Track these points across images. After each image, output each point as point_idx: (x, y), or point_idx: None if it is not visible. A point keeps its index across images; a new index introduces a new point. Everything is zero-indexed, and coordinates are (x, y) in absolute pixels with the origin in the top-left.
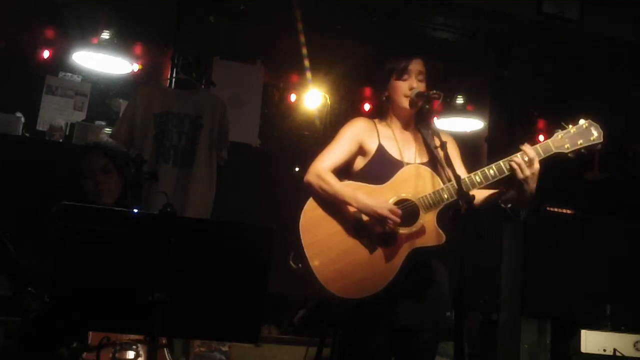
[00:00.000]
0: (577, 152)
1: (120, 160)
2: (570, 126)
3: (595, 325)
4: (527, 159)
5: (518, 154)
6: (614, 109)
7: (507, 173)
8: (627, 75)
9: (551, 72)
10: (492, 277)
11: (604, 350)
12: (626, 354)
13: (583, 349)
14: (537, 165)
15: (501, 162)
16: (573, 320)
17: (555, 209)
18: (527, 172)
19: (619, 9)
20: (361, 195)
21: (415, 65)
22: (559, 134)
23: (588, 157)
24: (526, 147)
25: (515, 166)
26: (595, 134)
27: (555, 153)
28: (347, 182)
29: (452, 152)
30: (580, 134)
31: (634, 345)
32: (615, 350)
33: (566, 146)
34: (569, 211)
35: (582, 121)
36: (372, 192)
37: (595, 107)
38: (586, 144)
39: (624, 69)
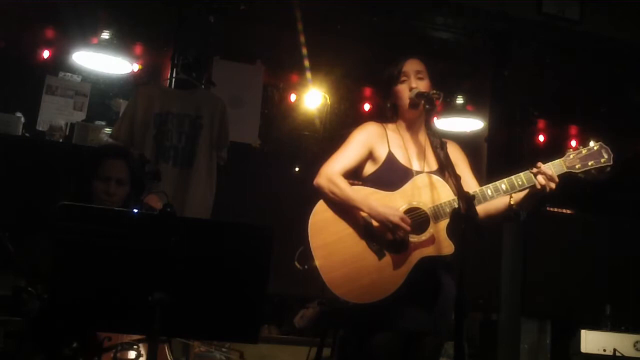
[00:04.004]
0: (588, 173)
1: (136, 172)
2: (582, 147)
3: (595, 325)
4: (549, 176)
5: (535, 169)
6: (613, 109)
7: (518, 189)
8: (627, 75)
9: (551, 72)
10: (492, 277)
11: (604, 350)
12: (626, 354)
13: (583, 349)
14: (557, 180)
15: (514, 178)
16: (573, 320)
17: (555, 209)
18: (552, 185)
19: (619, 9)
20: (373, 202)
21: (411, 65)
22: (570, 154)
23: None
24: (543, 165)
25: (543, 182)
26: (606, 156)
27: (567, 172)
28: (358, 187)
29: (459, 162)
30: (591, 155)
31: (634, 345)
32: (615, 350)
33: (577, 166)
34: (569, 211)
35: (592, 143)
36: (384, 198)
37: (594, 107)
38: (596, 166)
39: (624, 69)
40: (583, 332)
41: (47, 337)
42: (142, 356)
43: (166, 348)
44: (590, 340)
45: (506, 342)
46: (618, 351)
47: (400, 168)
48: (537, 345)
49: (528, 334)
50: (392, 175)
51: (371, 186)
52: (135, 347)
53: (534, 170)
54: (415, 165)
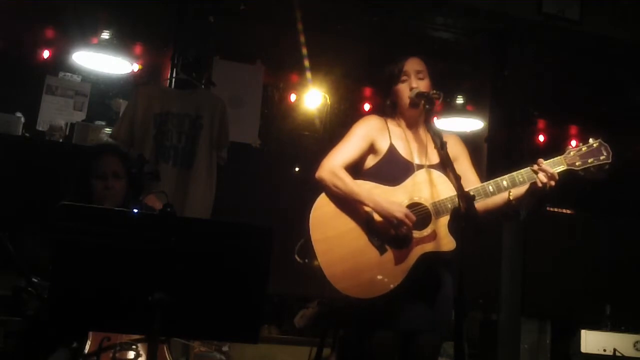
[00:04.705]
0: (587, 170)
1: (129, 164)
2: (582, 144)
3: (595, 325)
4: (550, 173)
5: (535, 166)
6: (613, 109)
7: (519, 185)
8: (627, 75)
9: (551, 72)
10: (492, 277)
11: (604, 350)
12: (626, 354)
13: (583, 349)
14: (557, 178)
15: (515, 174)
16: (573, 320)
17: (555, 209)
18: (552, 183)
19: (619, 9)
20: (377, 197)
21: (412, 65)
22: (570, 151)
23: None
24: (544, 163)
25: (544, 179)
26: (605, 153)
27: (567, 169)
28: (360, 182)
29: (460, 155)
30: (591, 152)
31: (634, 345)
32: (615, 350)
33: (577, 163)
34: (569, 211)
35: (592, 140)
36: (386, 193)
37: (594, 107)
38: (596, 163)
39: (624, 69)
40: (583, 332)
41: (47, 337)
42: (141, 356)
43: (165, 348)
44: (590, 340)
45: (506, 342)
46: (618, 351)
47: (401, 161)
48: (537, 345)
49: (528, 334)
50: (393, 168)
51: (372, 179)
52: (134, 347)
53: (535, 167)
54: (417, 159)
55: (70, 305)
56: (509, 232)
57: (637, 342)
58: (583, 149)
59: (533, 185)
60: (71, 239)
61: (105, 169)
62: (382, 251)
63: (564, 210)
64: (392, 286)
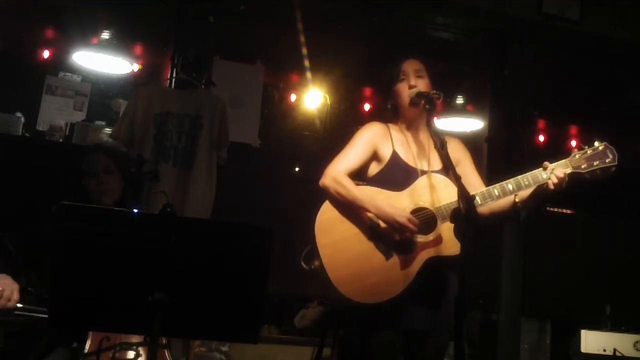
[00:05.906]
0: (593, 173)
1: (121, 160)
2: (587, 147)
3: (595, 325)
4: (561, 178)
5: (541, 169)
6: (613, 109)
7: (524, 189)
8: (627, 75)
9: (551, 72)
10: (493, 277)
11: (604, 350)
12: (626, 354)
13: (583, 349)
14: (567, 180)
15: (520, 178)
16: (573, 320)
17: (555, 209)
18: (563, 185)
19: (619, 9)
20: (380, 202)
21: (410, 64)
22: (576, 154)
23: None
24: (553, 166)
25: (556, 180)
26: (611, 156)
27: (572, 172)
28: (364, 187)
29: (463, 159)
30: (596, 155)
31: (634, 345)
32: (615, 350)
33: (583, 166)
34: (569, 211)
35: (597, 143)
36: (389, 198)
37: (594, 107)
38: (602, 166)
39: (624, 69)
40: (583, 332)
41: (47, 336)
42: (141, 356)
43: (166, 352)
44: (590, 340)
45: (506, 342)
46: (618, 351)
47: (404, 167)
48: (537, 345)
49: (528, 334)
50: (396, 174)
51: (376, 186)
52: (133, 347)
53: (548, 171)
54: (420, 165)
55: (71, 305)
56: (509, 232)
57: (637, 342)
58: (588, 152)
59: (538, 187)
60: (71, 239)
61: (94, 166)
62: (387, 256)
63: (564, 210)
64: (397, 291)
